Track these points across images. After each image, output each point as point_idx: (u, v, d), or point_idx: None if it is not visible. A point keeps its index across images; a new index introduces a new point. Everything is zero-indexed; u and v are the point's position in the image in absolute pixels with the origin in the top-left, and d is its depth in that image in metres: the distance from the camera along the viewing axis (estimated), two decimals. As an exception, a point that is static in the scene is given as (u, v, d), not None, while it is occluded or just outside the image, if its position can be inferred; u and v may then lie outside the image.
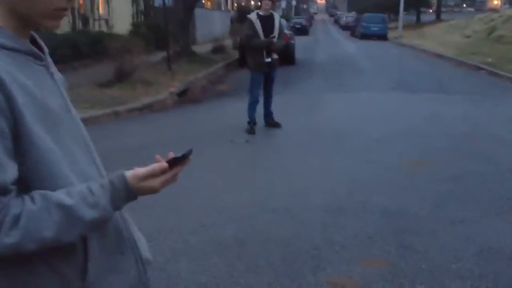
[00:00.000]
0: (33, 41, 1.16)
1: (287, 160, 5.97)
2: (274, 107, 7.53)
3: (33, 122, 1.02)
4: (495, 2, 76.96)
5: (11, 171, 0.98)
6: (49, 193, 1.03)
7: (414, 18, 48.24)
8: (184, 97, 10.51)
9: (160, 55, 14.40)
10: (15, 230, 0.97)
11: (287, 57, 13.57)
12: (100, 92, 9.59)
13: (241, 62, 15.17)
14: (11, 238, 0.96)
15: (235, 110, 8.47)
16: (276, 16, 7.23)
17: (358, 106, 9.43)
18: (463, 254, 3.53)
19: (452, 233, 3.87)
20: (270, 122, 7.50)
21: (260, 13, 7.11)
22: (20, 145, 1.01)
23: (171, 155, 1.20)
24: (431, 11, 58.29)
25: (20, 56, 1.07)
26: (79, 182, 1.10)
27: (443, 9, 51.79)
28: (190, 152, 1.22)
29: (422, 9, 51.00)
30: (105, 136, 6.65)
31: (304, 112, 8.78)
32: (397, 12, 34.23)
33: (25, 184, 1.02)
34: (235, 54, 17.51)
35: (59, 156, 1.07)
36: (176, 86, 10.91)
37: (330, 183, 5.07)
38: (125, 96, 9.41)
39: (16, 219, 0.97)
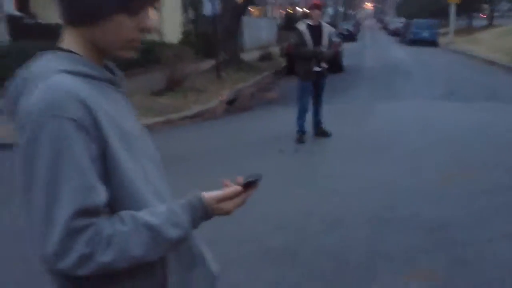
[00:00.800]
0: (106, 66, 1.26)
1: (335, 169, 6.01)
2: (323, 116, 7.58)
3: (117, 145, 1.09)
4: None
5: (103, 194, 1.05)
6: (136, 213, 1.09)
7: (465, 23, 47.06)
8: (233, 105, 10.69)
9: (209, 63, 14.68)
10: (109, 250, 1.02)
11: (335, 64, 13.58)
12: (152, 100, 9.89)
13: (289, 70, 15.31)
14: (105, 257, 1.02)
15: (283, 118, 8.57)
16: (325, 25, 7.28)
17: (407, 115, 9.34)
18: (506, 268, 3.48)
19: (504, 245, 3.82)
20: (319, 131, 7.55)
21: (309, 22, 7.18)
22: (107, 167, 1.08)
23: (240, 179, 1.27)
24: (483, 16, 56.71)
25: (100, 83, 1.15)
26: (155, 200, 1.17)
27: (496, 14, 50.23)
28: (260, 177, 1.28)
29: (474, 14, 49.68)
30: (158, 144, 6.85)
31: (352, 120, 8.77)
32: (447, 17, 33.49)
33: (110, 204, 1.08)
34: (283, 62, 17.64)
35: (138, 176, 1.14)
36: (225, 94, 11.11)
37: (378, 193, 5.08)
38: (177, 104, 9.68)
39: (110, 239, 1.03)
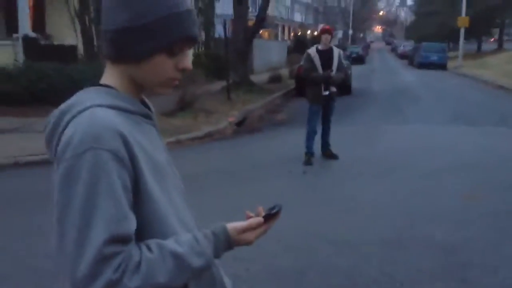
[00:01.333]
0: (142, 101, 1.33)
1: (344, 191, 6.06)
2: (331, 138, 7.65)
3: (149, 177, 1.15)
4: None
5: (134, 222, 1.10)
6: (162, 241, 1.14)
7: (475, 47, 47.23)
8: (242, 126, 10.80)
9: (219, 84, 14.86)
10: (136, 276, 1.06)
11: (343, 86, 13.68)
12: (163, 120, 10.01)
13: (298, 91, 15.45)
14: (133, 283, 1.05)
15: (292, 140, 8.64)
16: (335, 50, 7.39)
17: (416, 138, 9.39)
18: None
19: (510, 270, 3.84)
20: (328, 153, 7.61)
21: (319, 47, 7.30)
22: (138, 197, 1.13)
23: (261, 210, 1.33)
24: (493, 40, 56.91)
25: (136, 117, 1.22)
26: (181, 229, 1.23)
27: (506, 38, 50.42)
28: (280, 208, 1.35)
29: (484, 38, 49.86)
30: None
31: (361, 143, 8.84)
32: (457, 41, 33.65)
33: (138, 232, 1.13)
34: (292, 84, 17.79)
35: (167, 206, 1.20)
36: (235, 115, 11.23)
37: (388, 215, 5.12)
38: (187, 125, 9.80)
39: (137, 266, 1.07)
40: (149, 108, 1.34)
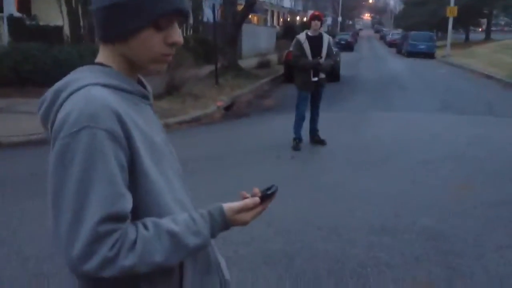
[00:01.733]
0: (139, 81, 1.32)
1: (332, 177, 6.06)
2: (319, 124, 7.64)
3: (145, 156, 1.15)
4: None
5: (130, 201, 1.10)
6: (158, 220, 1.14)
7: (463, 36, 47.46)
8: (230, 111, 10.74)
9: (208, 69, 14.75)
10: (132, 254, 1.07)
11: (332, 74, 13.66)
12: (151, 104, 9.93)
13: (286, 77, 15.42)
14: (128, 261, 1.07)
15: (280, 125, 8.62)
16: (325, 36, 7.34)
17: (403, 126, 9.42)
18: (510, 279, 3.54)
19: (498, 258, 3.87)
20: (316, 139, 7.61)
21: (309, 33, 7.24)
22: (134, 176, 1.13)
23: (257, 191, 1.33)
24: (480, 30, 57.19)
25: (132, 96, 1.22)
26: (178, 210, 1.23)
27: (493, 28, 50.71)
28: (276, 189, 1.35)
29: (472, 28, 50.10)
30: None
31: (349, 130, 8.84)
32: (445, 30, 33.78)
33: (134, 212, 1.13)
34: (280, 69, 17.74)
35: (164, 186, 1.20)
36: (223, 100, 11.17)
37: (375, 202, 5.13)
38: (175, 109, 9.72)
39: (133, 244, 1.08)
40: (146, 88, 1.32)
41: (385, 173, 6.24)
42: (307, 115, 7.48)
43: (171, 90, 10.88)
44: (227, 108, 10.85)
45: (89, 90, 1.11)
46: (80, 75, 1.17)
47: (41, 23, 14.23)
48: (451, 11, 30.04)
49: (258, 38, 27.63)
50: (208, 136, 8.57)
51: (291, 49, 8.10)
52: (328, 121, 8.44)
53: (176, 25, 1.22)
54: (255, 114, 10.69)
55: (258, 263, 3.72)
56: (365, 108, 11.29)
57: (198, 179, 5.47)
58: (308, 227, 4.43)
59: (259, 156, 6.93)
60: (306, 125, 7.49)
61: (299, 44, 7.18)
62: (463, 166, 6.59)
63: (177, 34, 1.22)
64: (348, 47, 37.89)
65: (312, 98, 7.43)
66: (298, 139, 7.35)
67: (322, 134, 7.62)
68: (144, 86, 1.32)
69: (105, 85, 1.14)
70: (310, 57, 7.11)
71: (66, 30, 14.23)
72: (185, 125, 9.04)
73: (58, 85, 1.17)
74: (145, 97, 1.28)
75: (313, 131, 7.63)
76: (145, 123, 1.20)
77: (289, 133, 7.40)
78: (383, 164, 6.67)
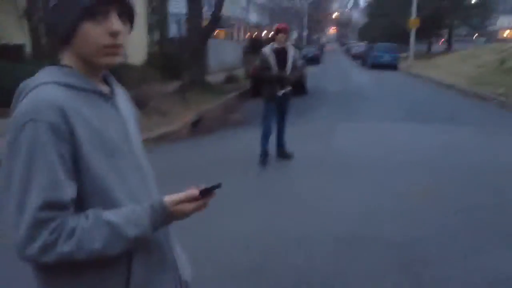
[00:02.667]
0: (106, 80, 1.40)
1: (299, 190, 6.07)
2: (286, 137, 7.65)
3: (90, 150, 1.21)
4: (507, 32, 77.28)
5: (69, 190, 1.18)
6: (99, 211, 1.21)
7: (425, 48, 48.54)
8: (197, 127, 10.68)
9: (174, 84, 14.67)
10: (70, 241, 1.15)
11: (299, 86, 13.75)
12: (116, 121, 9.79)
13: (253, 92, 15.45)
14: (66, 248, 1.15)
15: (248, 139, 8.61)
16: (290, 48, 7.37)
17: (369, 135, 9.53)
18: (475, 286, 3.58)
19: (464, 265, 3.92)
20: (283, 153, 7.61)
21: (275, 45, 7.27)
22: (78, 169, 1.20)
23: (202, 186, 1.38)
24: (442, 40, 58.65)
25: (87, 94, 1.28)
26: (128, 202, 1.28)
27: (455, 39, 52.06)
28: (219, 185, 1.39)
29: (433, 39, 51.32)
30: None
31: (315, 141, 8.89)
32: (407, 42, 34.52)
33: (81, 203, 1.21)
34: (247, 84, 17.78)
35: (113, 180, 1.26)
36: (190, 116, 11.10)
37: (342, 213, 5.14)
38: (141, 126, 9.58)
39: (72, 232, 1.16)
40: (112, 86, 1.40)
41: (352, 183, 6.28)
42: (274, 128, 7.48)
43: (137, 107, 10.74)
44: (195, 124, 10.79)
45: (40, 88, 1.20)
46: (39, 75, 1.26)
47: (2, 42, 13.93)
48: (413, 23, 30.77)
49: (224, 53, 27.69)
50: (175, 153, 8.49)
51: (256, 62, 8.12)
52: (295, 133, 8.47)
53: (113, 14, 1.26)
54: (223, 129, 10.66)
55: (224, 279, 3.66)
56: (331, 120, 11.39)
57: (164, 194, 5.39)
58: (274, 240, 4.41)
59: (227, 171, 6.89)
60: (272, 139, 7.49)
61: (264, 57, 7.20)
62: (428, 173, 6.68)
63: (116, 23, 1.26)
64: (314, 60, 38.31)
65: (278, 110, 7.44)
66: (264, 154, 7.32)
67: (289, 146, 7.63)
68: (110, 84, 1.40)
69: (57, 83, 1.23)
70: (275, 70, 7.13)
71: (28, 48, 13.97)
72: (151, 142, 8.92)
73: (21, 85, 1.27)
74: (101, 94, 1.33)
75: (280, 144, 7.63)
76: (98, 119, 1.26)
77: (256, 147, 7.39)
78: (349, 174, 6.71)
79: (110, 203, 1.24)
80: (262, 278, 3.70)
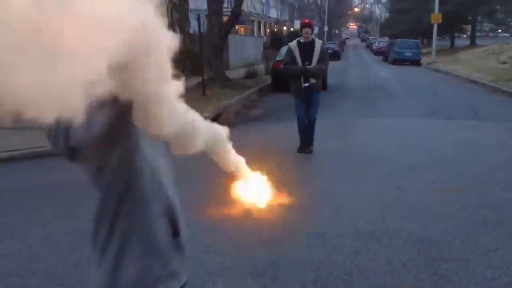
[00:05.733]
0: None
1: (319, 184, 6.05)
2: (314, 133, 7.62)
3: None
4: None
5: None
6: None
7: (448, 43, 47.91)
8: (217, 122, 10.69)
9: (195, 80, 14.72)
10: None
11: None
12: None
13: (274, 87, 15.45)
14: None
15: (268, 134, 8.61)
16: (317, 42, 7.36)
17: (390, 132, 9.45)
18: (497, 283, 3.53)
19: (485, 262, 3.86)
20: (303, 147, 7.56)
21: (301, 40, 7.30)
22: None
23: None
24: (465, 36, 57.81)
25: None
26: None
27: (478, 34, 51.30)
28: None
29: (456, 34, 50.62)
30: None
31: (337, 137, 8.85)
32: (430, 37, 34.10)
33: None
34: (268, 79, 17.76)
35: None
36: (210, 111, 11.14)
37: (362, 208, 5.12)
38: (161, 121, 9.65)
39: None
40: None
41: (373, 178, 6.23)
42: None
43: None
44: (215, 119, 10.82)
45: None
46: None
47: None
48: (435, 18, 30.33)
49: (245, 49, 27.70)
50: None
51: (277, 58, 8.13)
52: (317, 128, 8.43)
53: None
54: (243, 124, 10.66)
55: (243, 274, 3.68)
56: (352, 116, 11.32)
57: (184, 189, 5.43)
58: (294, 234, 4.41)
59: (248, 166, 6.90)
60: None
61: (290, 51, 7.27)
62: (449, 170, 6.61)
63: None
64: (335, 55, 38.01)
65: (306, 106, 7.44)
66: (301, 143, 7.50)
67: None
68: None
69: None
70: (300, 63, 7.16)
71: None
72: (172, 136, 8.98)
73: None
74: None
75: (307, 140, 7.58)
76: None
77: (275, 141, 7.39)
78: (370, 169, 6.67)
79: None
80: (281, 272, 3.71)
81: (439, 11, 30.63)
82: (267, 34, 45.95)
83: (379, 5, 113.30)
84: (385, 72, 26.26)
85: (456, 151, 7.65)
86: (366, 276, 3.63)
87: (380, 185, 5.99)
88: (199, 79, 13.74)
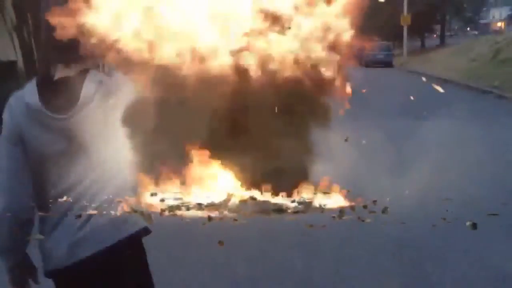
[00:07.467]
0: None
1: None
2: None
3: None
4: (499, 24, 77.33)
5: None
6: None
7: (418, 44, 48.56)
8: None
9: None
10: None
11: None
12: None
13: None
14: None
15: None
16: None
17: (365, 133, 9.44)
18: (478, 282, 3.52)
19: (465, 262, 3.85)
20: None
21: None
22: None
23: None
24: (435, 36, 58.68)
25: None
26: None
27: (447, 33, 52.12)
28: None
29: (426, 34, 51.31)
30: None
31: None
32: (401, 39, 34.53)
33: None
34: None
35: None
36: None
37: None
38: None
39: None
40: None
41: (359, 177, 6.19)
42: None
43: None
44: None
45: None
46: None
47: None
48: (405, 19, 30.77)
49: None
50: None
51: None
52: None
53: None
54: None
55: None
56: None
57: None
58: (271, 245, 4.34)
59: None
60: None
61: None
62: (426, 169, 6.59)
63: None
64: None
65: None
66: None
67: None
68: None
69: None
70: None
71: (20, 64, 13.90)
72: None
73: None
74: None
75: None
76: None
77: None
78: (358, 168, 6.63)
79: None
80: (261, 280, 3.64)
81: (408, 11, 31.08)
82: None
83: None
84: (358, 74, 26.20)
85: (433, 150, 7.64)
86: (349, 284, 3.58)
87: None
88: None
